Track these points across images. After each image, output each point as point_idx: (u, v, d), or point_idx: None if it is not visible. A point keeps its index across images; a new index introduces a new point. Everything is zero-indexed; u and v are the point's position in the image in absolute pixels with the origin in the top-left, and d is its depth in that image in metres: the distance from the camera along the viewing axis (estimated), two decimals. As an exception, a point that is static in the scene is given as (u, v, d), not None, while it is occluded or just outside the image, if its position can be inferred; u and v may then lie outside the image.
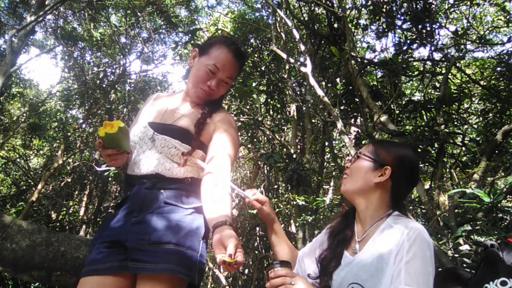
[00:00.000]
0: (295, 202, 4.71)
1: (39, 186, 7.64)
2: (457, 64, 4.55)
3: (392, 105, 3.77)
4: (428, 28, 4.15)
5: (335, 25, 4.83)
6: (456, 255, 2.29)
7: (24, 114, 10.11)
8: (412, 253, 0.98)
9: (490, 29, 6.86)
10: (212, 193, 1.18)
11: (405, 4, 4.35)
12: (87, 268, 1.21)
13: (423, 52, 9.23)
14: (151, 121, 1.42)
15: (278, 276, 1.00)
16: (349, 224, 1.22)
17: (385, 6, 4.44)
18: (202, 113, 1.42)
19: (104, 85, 9.49)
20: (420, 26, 4.20)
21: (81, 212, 9.27)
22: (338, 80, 5.26)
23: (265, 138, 7.20)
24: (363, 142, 5.27)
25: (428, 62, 4.50)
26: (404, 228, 1.05)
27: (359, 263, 1.09)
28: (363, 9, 5.28)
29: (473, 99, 5.42)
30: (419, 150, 3.23)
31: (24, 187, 9.62)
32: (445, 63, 4.02)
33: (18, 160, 9.82)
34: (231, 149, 1.32)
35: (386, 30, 4.44)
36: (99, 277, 1.17)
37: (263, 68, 6.88)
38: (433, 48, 4.11)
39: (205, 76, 1.38)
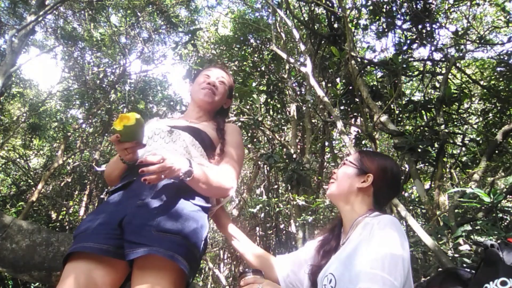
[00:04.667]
0: (295, 202, 4.71)
1: (39, 186, 7.64)
2: (457, 64, 4.55)
3: (392, 105, 3.78)
4: (428, 28, 4.15)
5: (335, 25, 4.84)
6: (456, 255, 2.29)
7: (24, 114, 10.12)
8: (379, 237, 1.01)
9: (490, 29, 6.87)
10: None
11: (405, 4, 4.35)
12: (79, 245, 1.09)
13: (423, 52, 9.24)
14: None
15: (247, 284, 1.08)
16: (336, 235, 1.27)
17: (385, 6, 4.45)
18: (217, 121, 1.57)
19: (104, 85, 9.50)
20: (420, 26, 4.21)
21: (81, 212, 9.26)
22: (338, 80, 5.26)
23: (265, 138, 7.20)
24: (363, 142, 5.28)
25: (428, 62, 4.50)
26: (376, 220, 1.09)
27: (336, 258, 1.13)
28: (363, 9, 5.28)
29: (473, 99, 5.42)
30: (419, 150, 3.22)
31: (24, 187, 9.62)
32: (445, 63, 4.02)
33: (18, 160, 9.82)
34: (237, 168, 1.46)
35: (386, 30, 4.45)
36: (90, 263, 1.08)
37: (263, 68, 6.88)
38: (433, 48, 4.11)
39: (203, 80, 1.60)
